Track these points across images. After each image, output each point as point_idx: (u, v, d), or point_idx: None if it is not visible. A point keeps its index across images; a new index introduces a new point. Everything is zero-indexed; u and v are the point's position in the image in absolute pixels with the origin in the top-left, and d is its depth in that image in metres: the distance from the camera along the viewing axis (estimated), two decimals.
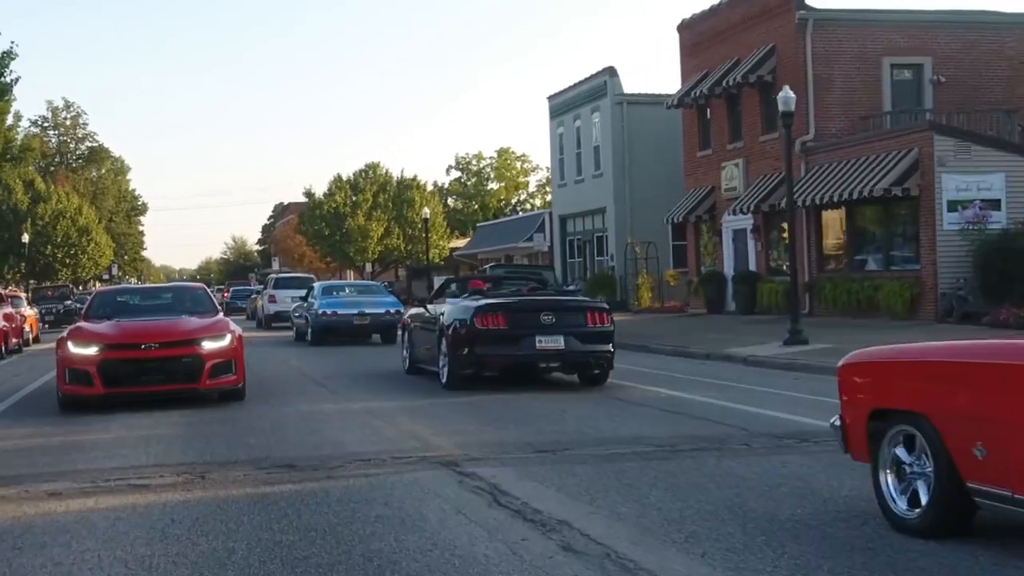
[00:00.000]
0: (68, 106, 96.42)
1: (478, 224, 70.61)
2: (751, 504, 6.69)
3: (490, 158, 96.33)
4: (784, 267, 29.00)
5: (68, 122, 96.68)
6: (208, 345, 13.04)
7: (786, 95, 22.22)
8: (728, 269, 33.05)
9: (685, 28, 35.74)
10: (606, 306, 14.41)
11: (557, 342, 13.46)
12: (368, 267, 70.17)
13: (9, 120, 42.93)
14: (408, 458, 8.75)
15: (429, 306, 15.38)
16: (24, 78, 28.15)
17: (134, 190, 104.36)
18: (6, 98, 31.45)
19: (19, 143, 59.29)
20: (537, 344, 13.44)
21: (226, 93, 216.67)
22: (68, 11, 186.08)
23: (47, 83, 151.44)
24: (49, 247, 65.20)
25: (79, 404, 12.76)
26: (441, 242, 69.51)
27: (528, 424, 10.66)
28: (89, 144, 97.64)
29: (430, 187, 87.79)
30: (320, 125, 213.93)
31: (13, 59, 28.63)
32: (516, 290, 15.03)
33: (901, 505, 5.75)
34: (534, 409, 11.84)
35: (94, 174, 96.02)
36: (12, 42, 34.59)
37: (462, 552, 5.67)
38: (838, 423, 6.25)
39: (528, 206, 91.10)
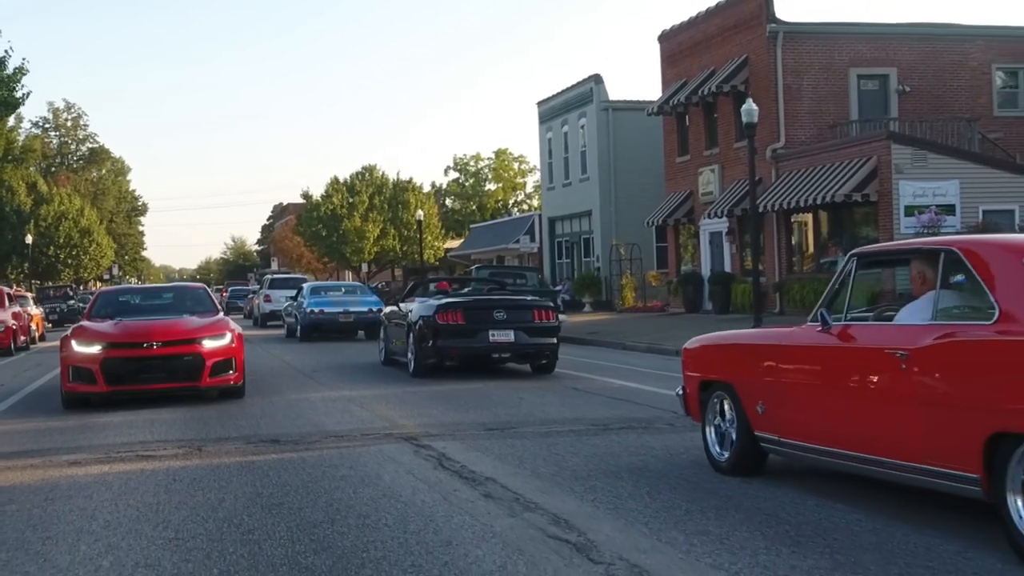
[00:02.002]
0: (69, 107, 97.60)
1: (472, 225, 72.03)
2: (651, 467, 8.13)
3: (488, 159, 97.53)
4: (759, 268, 30.42)
5: (69, 123, 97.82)
6: (209, 344, 13.37)
7: (749, 107, 23.68)
8: (705, 270, 34.48)
9: (665, 39, 37.19)
10: (551, 304, 16.16)
11: (508, 335, 15.19)
12: (364, 267, 71.59)
13: (11, 122, 44.08)
14: (376, 434, 10.22)
15: (401, 304, 17.04)
16: (25, 79, 29.10)
17: (134, 191, 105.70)
18: (17, 111, 32.83)
19: (20, 144, 60.64)
20: (490, 337, 15.19)
21: (226, 94, 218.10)
22: (67, 10, 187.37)
23: (46, 83, 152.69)
24: (52, 248, 66.66)
25: (82, 402, 13.25)
26: (436, 243, 70.93)
27: (486, 408, 12.12)
28: (90, 145, 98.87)
29: (428, 188, 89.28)
30: (319, 126, 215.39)
31: (25, 74, 30.08)
32: (476, 290, 16.62)
33: (717, 450, 7.44)
34: (494, 396, 13.31)
35: (94, 175, 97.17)
36: (24, 59, 36.01)
37: (405, 499, 7.13)
38: (681, 392, 7.87)
39: (525, 207, 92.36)
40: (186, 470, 8.56)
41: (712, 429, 7.71)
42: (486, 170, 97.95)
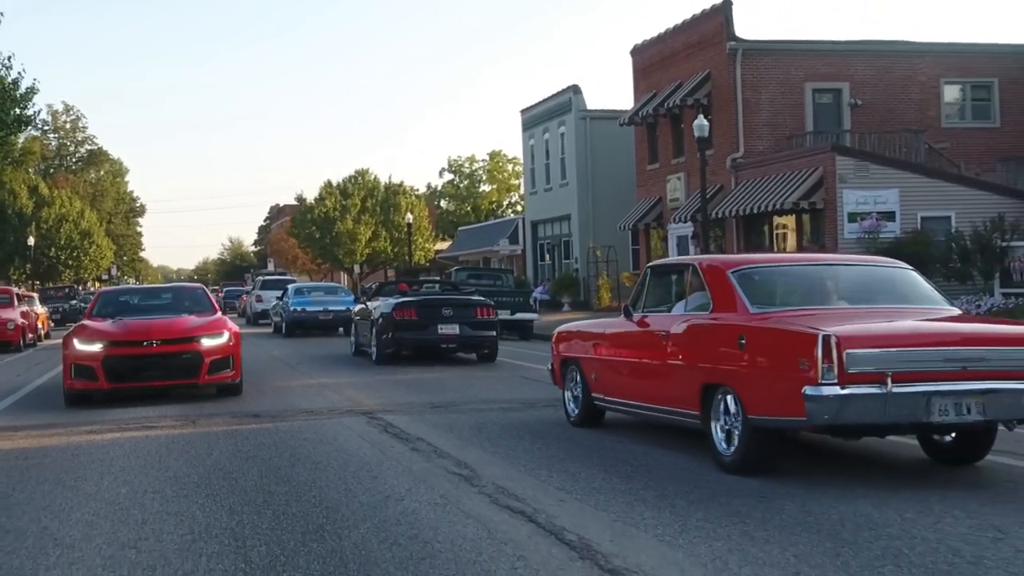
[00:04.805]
0: (68, 109, 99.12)
1: (460, 228, 74.11)
2: (552, 432, 10.21)
3: (482, 161, 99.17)
4: None
5: (68, 125, 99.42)
6: (207, 342, 13.77)
7: (701, 123, 25.87)
8: None
9: (637, 52, 39.30)
10: (491, 303, 18.58)
11: (454, 329, 17.60)
12: (356, 269, 73.67)
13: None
14: (339, 410, 12.33)
15: (368, 303, 19.37)
16: (26, 83, 30.55)
17: (132, 192, 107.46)
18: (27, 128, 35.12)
19: (20, 146, 62.52)
20: (439, 330, 17.63)
21: (224, 94, 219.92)
22: (66, 10, 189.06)
23: (45, 83, 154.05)
24: (52, 249, 68.66)
25: (84, 398, 13.80)
26: (427, 245, 73.08)
27: (438, 392, 14.24)
28: (88, 147, 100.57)
29: (423, 189, 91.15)
30: (318, 127, 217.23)
31: (36, 93, 32.29)
32: (432, 290, 18.96)
33: (572, 408, 9.89)
34: (448, 383, 15.46)
35: (93, 176, 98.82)
36: (35, 79, 38.22)
37: (350, 452, 9.25)
38: (550, 367, 10.16)
39: (519, 208, 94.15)
40: (182, 435, 10.65)
41: (569, 394, 10.24)
42: (480, 172, 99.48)
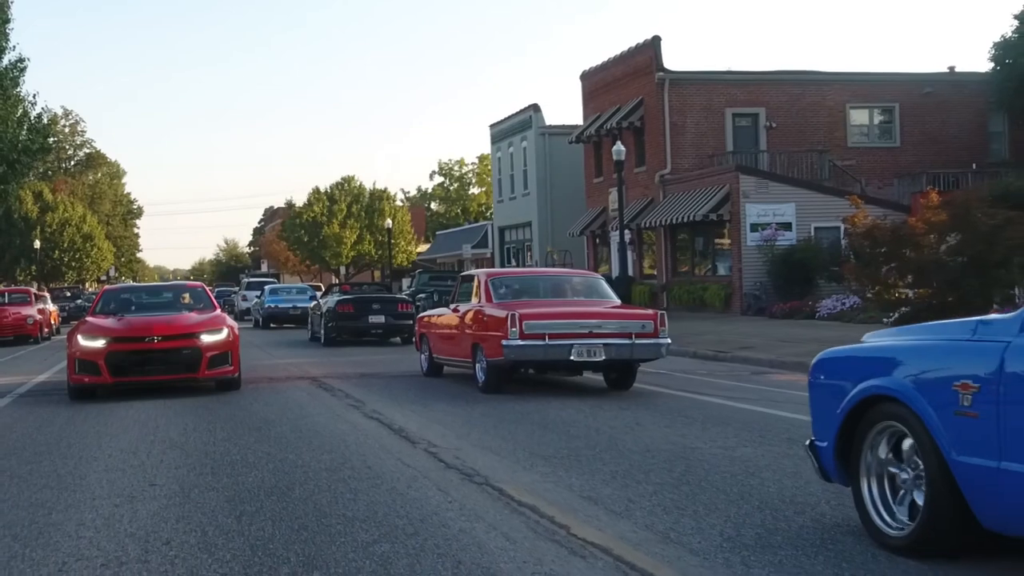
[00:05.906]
0: (67, 114, 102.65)
1: (437, 232, 78.64)
2: (420, 383, 14.77)
3: (472, 164, 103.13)
4: (654, 272, 37.55)
5: (67, 130, 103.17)
6: (206, 338, 14.43)
7: (618, 148, 30.47)
8: (615, 274, 41.19)
9: (585, 78, 43.97)
10: (409, 299, 23.31)
11: (380, 319, 22.68)
12: (343, 270, 78.24)
13: (12, 128, 49.95)
14: (294, 378, 16.93)
15: (321, 300, 24.40)
16: (26, 86, 34.38)
17: (129, 193, 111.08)
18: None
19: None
20: (369, 320, 22.46)
21: (222, 96, 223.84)
22: (64, 12, 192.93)
23: (42, 86, 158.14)
24: (56, 252, 73.09)
25: (88, 392, 14.39)
26: (409, 247, 77.72)
27: (366, 365, 18.87)
28: (87, 151, 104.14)
29: (415, 192, 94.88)
30: (316, 128, 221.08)
31: (56, 125, 36.86)
32: (369, 290, 24.04)
33: (424, 365, 14.83)
34: (374, 359, 20.19)
35: (91, 179, 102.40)
36: (53, 112, 42.67)
37: (293, 398, 13.86)
38: (412, 340, 15.00)
39: None
40: (170, 399, 15.05)
41: (424, 357, 15.29)
42: (470, 175, 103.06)
